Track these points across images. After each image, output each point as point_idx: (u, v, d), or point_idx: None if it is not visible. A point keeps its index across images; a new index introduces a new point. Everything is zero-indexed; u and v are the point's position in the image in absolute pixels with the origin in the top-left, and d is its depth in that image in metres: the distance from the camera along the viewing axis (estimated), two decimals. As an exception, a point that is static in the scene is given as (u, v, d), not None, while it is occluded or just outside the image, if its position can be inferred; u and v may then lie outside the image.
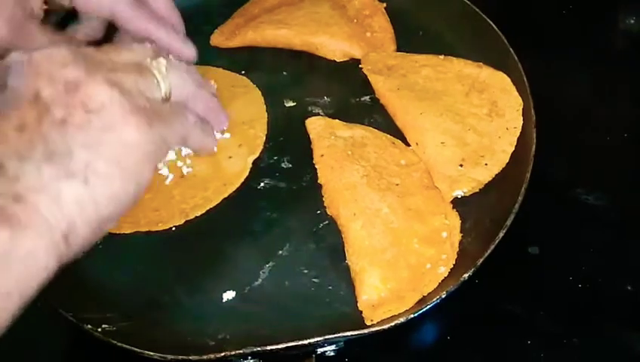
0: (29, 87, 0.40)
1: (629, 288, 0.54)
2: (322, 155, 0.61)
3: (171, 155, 0.62)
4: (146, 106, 0.43)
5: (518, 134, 0.60)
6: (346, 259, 0.55)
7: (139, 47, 0.48)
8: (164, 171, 0.62)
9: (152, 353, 0.50)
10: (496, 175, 0.58)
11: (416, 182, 0.59)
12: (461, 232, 0.55)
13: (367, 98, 0.67)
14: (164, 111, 0.46)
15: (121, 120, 0.41)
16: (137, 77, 0.44)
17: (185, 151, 0.62)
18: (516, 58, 0.64)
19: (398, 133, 0.63)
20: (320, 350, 0.50)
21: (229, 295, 0.54)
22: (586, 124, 0.65)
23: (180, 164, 0.62)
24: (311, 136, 0.63)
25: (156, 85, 0.46)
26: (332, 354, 0.51)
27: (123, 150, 0.41)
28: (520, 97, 0.62)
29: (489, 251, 0.51)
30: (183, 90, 0.49)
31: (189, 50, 0.57)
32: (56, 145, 0.38)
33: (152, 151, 0.43)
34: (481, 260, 0.50)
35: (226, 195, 0.61)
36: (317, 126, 0.64)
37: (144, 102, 0.43)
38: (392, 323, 0.49)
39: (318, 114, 0.66)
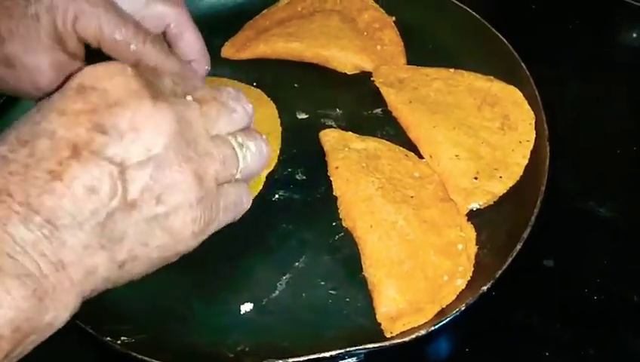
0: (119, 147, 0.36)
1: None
2: (337, 167, 0.61)
3: None
4: (212, 200, 0.41)
5: (531, 147, 0.61)
6: (362, 271, 0.55)
7: (240, 111, 0.44)
8: None
9: (172, 365, 0.50)
10: (510, 188, 0.58)
11: (431, 194, 0.59)
12: (476, 244, 0.56)
13: (379, 110, 0.68)
14: (226, 199, 0.43)
15: (182, 215, 0.39)
16: (220, 166, 0.41)
17: None
18: (527, 72, 0.65)
19: (410, 146, 0.64)
20: (340, 362, 0.51)
21: (246, 307, 0.54)
22: (595, 136, 0.66)
23: None
24: (325, 149, 0.64)
25: (235, 167, 0.43)
26: (352, 366, 0.51)
27: (169, 242, 0.39)
28: (532, 111, 0.63)
29: (507, 264, 0.51)
30: (255, 169, 0.46)
31: None
32: (114, 226, 0.36)
33: (194, 245, 0.42)
34: (500, 272, 0.51)
35: (240, 208, 0.61)
36: (331, 138, 0.64)
37: (213, 193, 0.41)
38: (413, 335, 0.49)
39: (330, 126, 0.67)
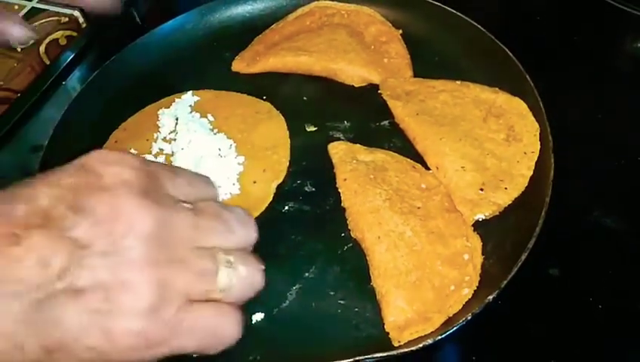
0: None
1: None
2: (345, 179, 0.62)
3: None
4: (171, 316, 0.37)
5: (535, 158, 0.61)
6: (370, 281, 0.56)
7: (240, 234, 0.43)
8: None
9: (185, 375, 0.51)
10: (516, 198, 0.59)
11: (437, 205, 0.60)
12: (482, 254, 0.57)
13: (386, 122, 0.69)
14: (195, 320, 0.39)
15: (126, 321, 0.36)
16: (194, 279, 0.38)
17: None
18: (532, 84, 0.66)
19: (417, 157, 0.65)
20: (350, 371, 0.52)
21: (257, 316, 0.56)
22: (600, 146, 0.66)
23: None
24: (333, 161, 0.65)
25: (212, 284, 0.40)
26: (361, 374, 0.52)
27: (102, 346, 0.36)
28: (536, 122, 0.64)
29: (512, 273, 0.52)
30: (241, 294, 0.43)
31: None
32: (53, 307, 0.34)
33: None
34: (505, 282, 0.52)
35: (250, 219, 0.62)
36: (339, 150, 0.66)
37: (175, 306, 0.38)
38: (420, 344, 0.50)
39: (338, 138, 0.68)
